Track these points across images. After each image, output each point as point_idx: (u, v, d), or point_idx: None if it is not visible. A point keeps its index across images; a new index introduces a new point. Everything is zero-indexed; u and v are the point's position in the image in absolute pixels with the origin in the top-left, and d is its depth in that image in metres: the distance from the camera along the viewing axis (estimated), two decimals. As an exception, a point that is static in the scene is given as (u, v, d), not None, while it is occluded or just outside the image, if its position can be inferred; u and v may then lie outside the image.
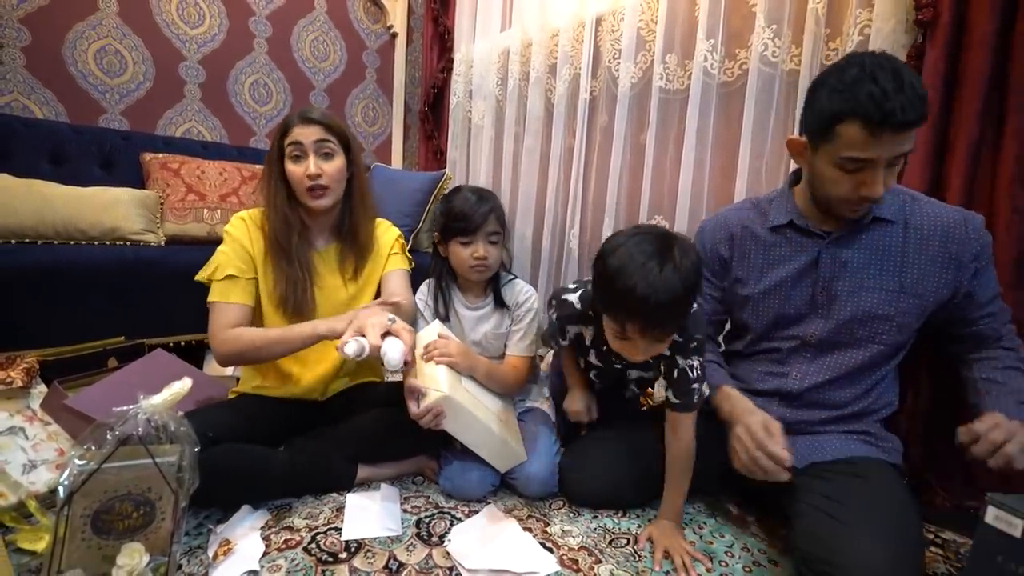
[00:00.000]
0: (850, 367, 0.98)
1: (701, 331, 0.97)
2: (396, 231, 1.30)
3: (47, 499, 0.97)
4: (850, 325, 0.97)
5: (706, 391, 0.99)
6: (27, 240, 1.53)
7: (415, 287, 1.35)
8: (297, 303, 1.12)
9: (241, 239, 1.12)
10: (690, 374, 0.96)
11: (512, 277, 1.29)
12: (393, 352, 0.92)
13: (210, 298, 1.09)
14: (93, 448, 0.75)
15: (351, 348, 0.89)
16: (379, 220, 1.29)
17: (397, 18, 2.78)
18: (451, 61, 2.65)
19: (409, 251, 1.35)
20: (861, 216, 0.93)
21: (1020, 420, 0.82)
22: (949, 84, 1.12)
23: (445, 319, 1.25)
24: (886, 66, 0.79)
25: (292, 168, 1.10)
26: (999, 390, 0.90)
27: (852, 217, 0.94)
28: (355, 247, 1.20)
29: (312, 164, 1.09)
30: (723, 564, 0.95)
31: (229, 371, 1.58)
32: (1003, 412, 0.84)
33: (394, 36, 2.81)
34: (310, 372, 1.18)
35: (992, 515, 0.75)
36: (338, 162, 1.13)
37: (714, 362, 1.10)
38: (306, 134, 1.09)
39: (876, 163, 0.82)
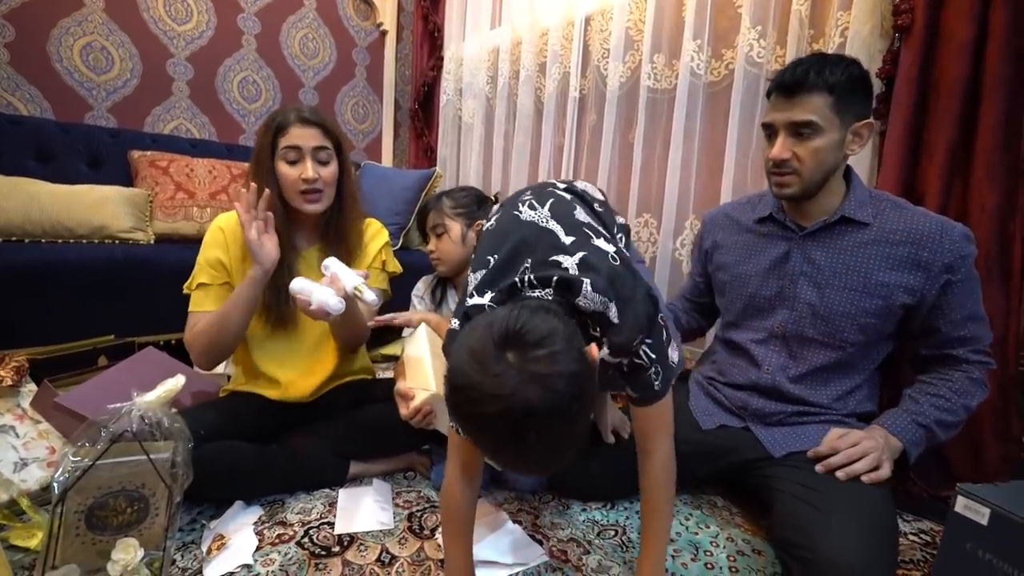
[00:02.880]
0: (818, 364, 1.01)
1: (634, 323, 0.66)
2: (384, 238, 1.26)
3: (39, 497, 0.97)
4: (813, 320, 1.00)
5: (674, 360, 0.73)
6: (14, 239, 1.52)
7: (409, 284, 1.37)
8: (280, 309, 1.10)
9: (215, 250, 1.11)
10: (643, 362, 0.69)
11: None
12: (328, 299, 0.94)
13: (189, 308, 1.10)
14: (87, 445, 0.76)
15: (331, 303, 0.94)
16: (369, 220, 1.27)
17: (387, 15, 2.77)
18: (441, 59, 2.66)
19: (400, 249, 1.35)
20: (788, 195, 0.99)
21: (900, 437, 0.93)
22: (924, 87, 1.16)
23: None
24: (805, 57, 0.95)
25: (287, 171, 1.08)
26: (906, 408, 0.97)
27: (777, 194, 1.00)
28: (341, 249, 1.16)
29: (310, 169, 1.07)
30: (708, 554, 0.97)
31: (220, 368, 1.58)
32: (890, 426, 0.95)
33: (384, 34, 2.81)
34: (303, 380, 1.17)
35: (962, 504, 0.78)
36: (333, 167, 1.12)
37: None
38: (305, 137, 1.07)
39: (776, 127, 0.95)
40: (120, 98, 2.09)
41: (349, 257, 1.18)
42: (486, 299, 0.67)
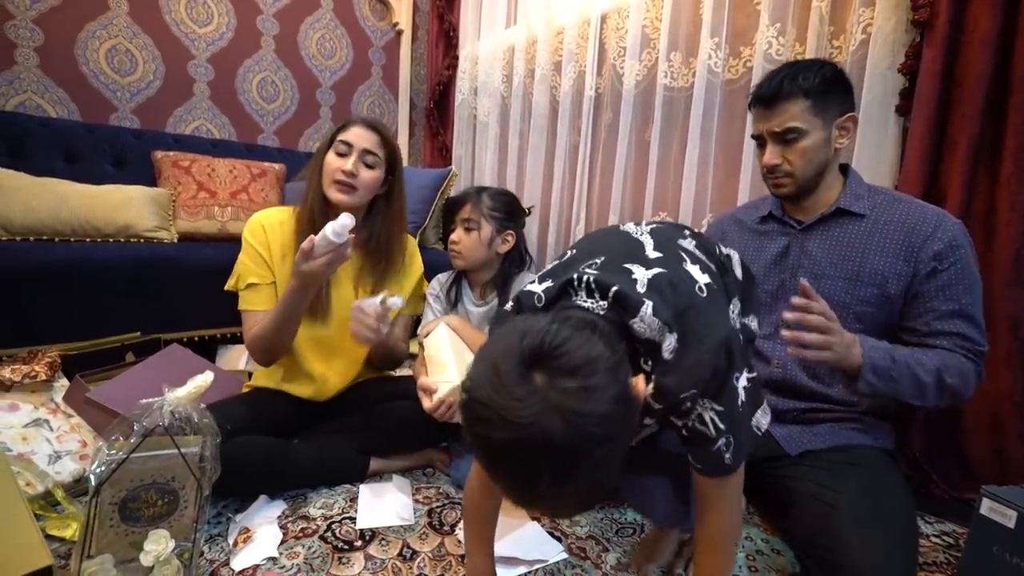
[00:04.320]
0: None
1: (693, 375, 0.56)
2: (420, 264, 1.32)
3: (71, 488, 1.00)
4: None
5: (761, 426, 0.64)
6: (45, 238, 1.57)
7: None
8: (311, 303, 1.11)
9: (256, 245, 1.14)
10: (707, 431, 0.59)
11: (521, 272, 1.32)
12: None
13: (239, 306, 1.13)
14: (121, 439, 0.78)
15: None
16: (412, 240, 1.31)
17: (403, 15, 2.79)
18: (456, 58, 2.67)
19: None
20: (785, 194, 1.03)
21: (867, 355, 0.84)
22: (946, 82, 1.14)
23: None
24: (777, 68, 0.99)
25: (332, 159, 1.11)
26: (889, 344, 0.89)
27: (775, 194, 1.05)
28: (380, 264, 1.19)
29: (351, 162, 1.10)
30: (726, 553, 0.97)
31: (242, 365, 1.61)
32: (865, 343, 0.85)
33: (399, 33, 2.83)
34: (336, 378, 1.20)
35: (987, 507, 0.78)
36: (376, 173, 1.13)
37: None
38: (360, 137, 1.12)
39: (763, 136, 1.00)
40: (143, 99, 2.13)
41: (388, 273, 1.21)
42: (541, 288, 0.61)
